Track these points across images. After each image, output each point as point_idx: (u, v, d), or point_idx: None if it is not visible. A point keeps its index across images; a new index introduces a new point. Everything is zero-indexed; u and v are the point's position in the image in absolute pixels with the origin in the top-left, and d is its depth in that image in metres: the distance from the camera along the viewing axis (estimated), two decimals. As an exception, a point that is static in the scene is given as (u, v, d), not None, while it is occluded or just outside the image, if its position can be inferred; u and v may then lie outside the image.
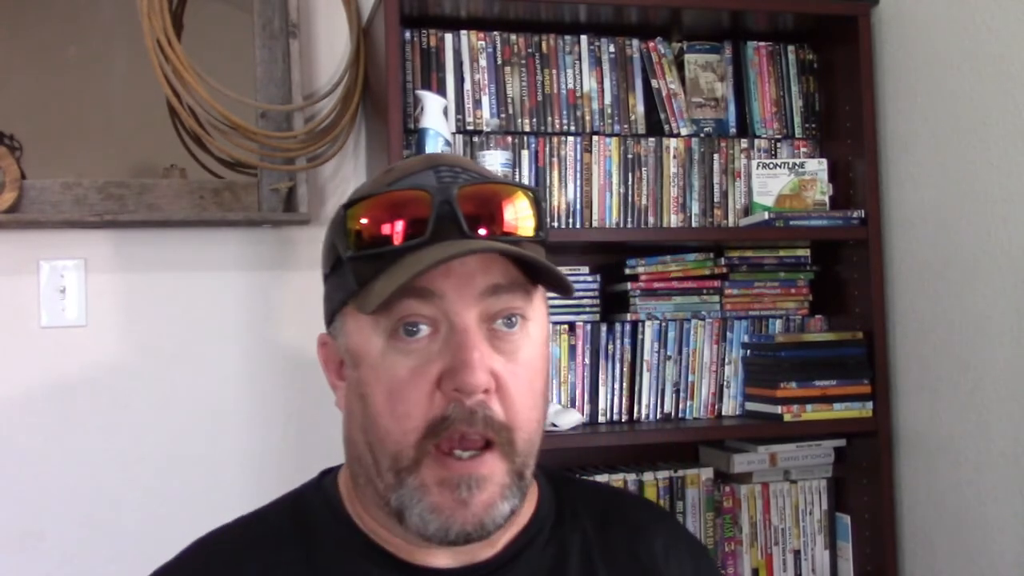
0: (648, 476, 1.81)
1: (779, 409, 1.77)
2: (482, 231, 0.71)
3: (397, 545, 0.77)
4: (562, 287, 0.74)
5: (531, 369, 0.73)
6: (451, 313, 0.70)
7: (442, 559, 0.76)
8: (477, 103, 1.82)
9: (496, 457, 0.70)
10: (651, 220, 1.86)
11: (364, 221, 0.72)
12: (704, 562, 0.90)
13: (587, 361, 1.83)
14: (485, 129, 1.81)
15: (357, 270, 0.72)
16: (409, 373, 0.70)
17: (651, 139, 1.87)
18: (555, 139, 1.83)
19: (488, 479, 0.70)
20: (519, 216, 0.73)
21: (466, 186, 0.72)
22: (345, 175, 1.94)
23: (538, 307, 0.76)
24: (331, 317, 0.78)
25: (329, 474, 0.84)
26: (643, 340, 1.84)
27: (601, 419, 1.83)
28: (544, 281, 0.75)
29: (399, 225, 0.70)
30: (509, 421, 0.71)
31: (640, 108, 1.89)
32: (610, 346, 1.84)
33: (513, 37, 1.84)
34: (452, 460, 0.69)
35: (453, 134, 1.78)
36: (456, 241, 0.69)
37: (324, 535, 0.79)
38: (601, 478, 1.79)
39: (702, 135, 1.91)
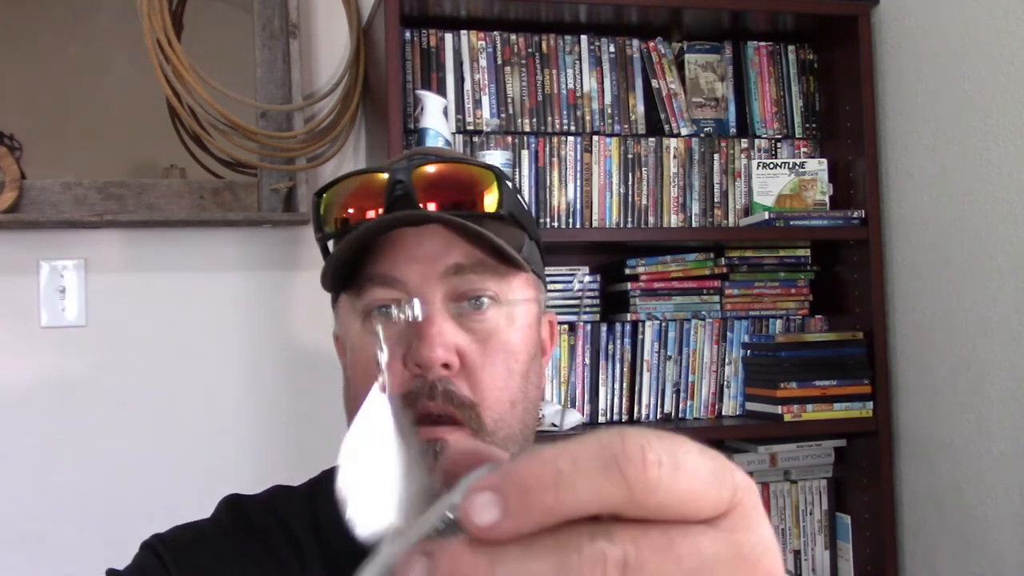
0: (648, 476, 1.81)
1: (779, 409, 1.77)
2: (434, 207, 0.72)
3: None
4: (506, 259, 0.72)
5: (505, 349, 0.73)
6: (414, 293, 0.71)
7: None
8: (477, 103, 1.82)
9: (465, 435, 0.70)
10: (651, 220, 1.86)
11: (327, 205, 0.75)
12: None
13: (587, 361, 1.83)
14: (485, 129, 1.81)
15: (326, 253, 0.76)
16: None
17: (651, 139, 1.87)
18: (555, 139, 1.83)
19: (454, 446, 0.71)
20: (476, 192, 0.73)
21: (423, 165, 0.73)
22: (345, 175, 1.94)
23: (518, 289, 0.75)
24: (336, 311, 0.81)
25: None
26: (643, 340, 1.84)
27: (601, 419, 1.83)
28: (509, 259, 0.73)
29: (355, 206, 0.74)
30: (474, 398, 0.71)
31: (640, 108, 1.89)
32: (610, 346, 1.84)
33: (513, 37, 1.84)
34: (422, 428, 0.70)
35: (453, 134, 1.78)
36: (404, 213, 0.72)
37: (333, 511, 0.80)
38: (601, 478, 1.78)
39: (702, 135, 1.91)
